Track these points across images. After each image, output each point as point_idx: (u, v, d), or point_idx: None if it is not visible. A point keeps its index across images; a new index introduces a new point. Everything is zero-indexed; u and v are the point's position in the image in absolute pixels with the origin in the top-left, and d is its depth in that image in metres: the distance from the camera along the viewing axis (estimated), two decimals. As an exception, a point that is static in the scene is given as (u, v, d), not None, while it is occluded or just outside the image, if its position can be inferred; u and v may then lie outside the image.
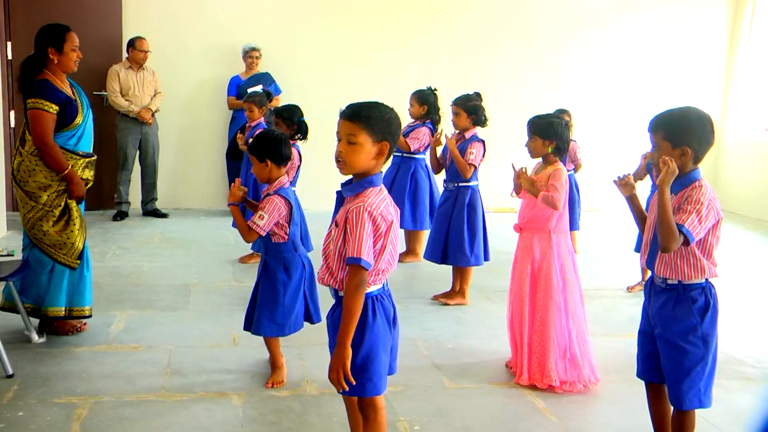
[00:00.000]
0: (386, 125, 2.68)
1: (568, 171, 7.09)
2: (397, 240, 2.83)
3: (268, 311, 3.97)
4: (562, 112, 7.19)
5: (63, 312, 4.56)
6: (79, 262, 4.57)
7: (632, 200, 3.22)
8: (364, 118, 2.66)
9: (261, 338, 4.48)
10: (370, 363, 2.74)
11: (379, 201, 2.68)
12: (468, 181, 5.53)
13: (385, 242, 2.69)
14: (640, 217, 3.23)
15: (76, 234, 4.53)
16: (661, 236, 2.87)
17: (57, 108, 4.35)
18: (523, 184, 4.25)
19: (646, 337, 3.21)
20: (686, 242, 2.89)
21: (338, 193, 2.80)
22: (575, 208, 7.20)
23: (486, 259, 5.70)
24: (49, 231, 4.47)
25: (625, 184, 3.21)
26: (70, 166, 4.42)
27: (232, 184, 3.98)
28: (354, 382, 2.65)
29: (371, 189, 2.70)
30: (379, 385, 2.78)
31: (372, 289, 2.75)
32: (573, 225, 7.19)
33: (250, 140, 6.18)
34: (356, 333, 2.68)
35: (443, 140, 5.57)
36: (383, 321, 2.77)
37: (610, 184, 3.48)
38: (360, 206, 2.63)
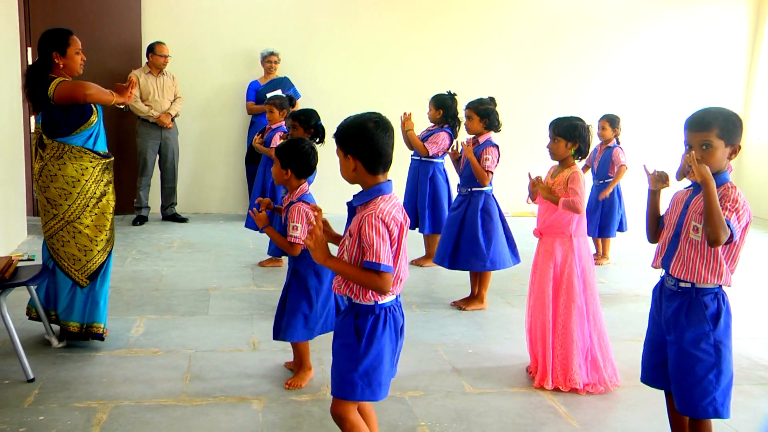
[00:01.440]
0: (351, 140, 2.78)
1: (611, 177, 7.12)
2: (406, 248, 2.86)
3: (302, 317, 3.98)
4: (608, 118, 7.20)
5: (79, 328, 4.58)
6: (88, 282, 4.55)
7: (654, 195, 3.22)
8: (337, 135, 2.83)
9: (280, 343, 4.49)
10: (372, 371, 2.78)
11: (390, 207, 2.73)
12: (481, 185, 5.52)
13: (399, 247, 2.74)
14: (653, 213, 3.23)
15: (93, 254, 4.54)
16: (712, 229, 2.81)
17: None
18: (540, 192, 4.23)
19: (654, 346, 3.19)
20: (730, 239, 2.85)
21: (349, 204, 2.85)
22: (614, 214, 7.16)
23: (516, 261, 5.64)
24: (70, 242, 4.48)
25: (656, 179, 3.20)
26: (111, 96, 4.49)
27: (252, 211, 4.00)
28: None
29: (380, 197, 2.76)
30: (377, 392, 2.81)
31: (385, 300, 2.79)
32: (610, 231, 7.20)
33: (278, 142, 6.22)
34: (364, 341, 2.76)
35: (459, 151, 5.55)
36: (391, 332, 2.82)
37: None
38: (372, 214, 2.69)
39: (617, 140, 7.22)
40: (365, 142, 2.74)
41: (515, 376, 4.38)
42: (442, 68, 9.58)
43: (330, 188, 6.34)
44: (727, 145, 2.95)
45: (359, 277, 2.69)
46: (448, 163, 6.44)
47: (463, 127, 5.97)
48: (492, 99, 5.61)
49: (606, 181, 7.14)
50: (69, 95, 4.35)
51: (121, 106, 4.64)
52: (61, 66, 4.45)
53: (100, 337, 4.61)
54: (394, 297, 2.83)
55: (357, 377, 2.77)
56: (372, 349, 2.77)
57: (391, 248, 2.70)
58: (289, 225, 3.87)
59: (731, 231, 2.82)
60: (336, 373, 2.83)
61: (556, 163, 4.33)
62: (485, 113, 5.46)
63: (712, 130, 2.95)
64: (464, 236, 5.55)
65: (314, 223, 2.77)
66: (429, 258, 6.97)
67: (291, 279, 4.05)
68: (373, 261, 2.64)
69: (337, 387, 2.82)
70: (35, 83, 4.45)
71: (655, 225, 3.23)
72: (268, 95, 8.47)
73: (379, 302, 2.77)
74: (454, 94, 6.56)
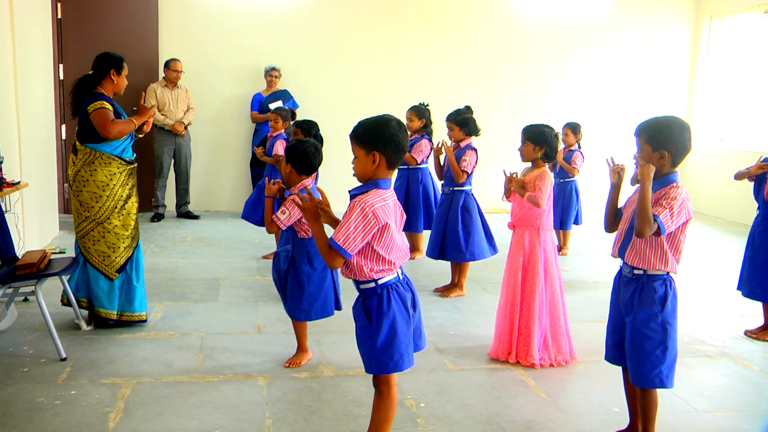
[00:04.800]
0: (374, 138, 2.71)
1: (571, 178, 7.17)
2: (402, 235, 2.84)
3: (296, 299, 3.98)
4: (570, 126, 7.23)
5: (115, 315, 4.60)
6: (117, 275, 4.56)
7: (614, 188, 3.24)
8: (355, 135, 2.75)
9: (283, 326, 4.51)
10: (389, 343, 2.74)
11: (377, 200, 2.69)
12: (462, 185, 5.51)
13: (381, 239, 2.70)
14: (612, 204, 3.24)
15: (120, 250, 4.55)
16: (639, 221, 2.88)
17: (112, 109, 4.45)
18: (514, 185, 4.26)
19: (614, 328, 3.23)
20: (658, 233, 2.91)
21: (350, 192, 2.82)
22: (572, 209, 7.24)
23: (494, 252, 5.64)
24: (100, 241, 4.49)
25: (615, 172, 3.22)
26: (134, 123, 4.55)
27: (272, 180, 3.98)
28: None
29: (374, 190, 2.72)
30: (400, 363, 2.76)
31: (388, 278, 2.76)
32: (567, 224, 7.28)
33: (282, 148, 6.20)
34: (374, 320, 2.73)
35: (443, 149, 5.55)
36: (399, 306, 2.77)
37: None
38: (356, 201, 2.68)
39: (579, 145, 7.27)
40: (391, 138, 2.70)
41: (490, 354, 4.41)
42: (426, 82, 9.60)
43: (333, 187, 6.32)
44: (654, 150, 2.99)
45: (323, 246, 2.69)
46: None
47: (437, 133, 5.95)
48: (468, 107, 5.61)
49: (566, 180, 7.20)
50: (98, 127, 4.38)
51: (140, 135, 4.68)
52: (115, 82, 4.56)
53: (144, 322, 4.70)
54: (395, 275, 2.79)
55: (378, 353, 2.74)
56: (383, 326, 2.73)
57: (365, 237, 2.66)
58: (281, 207, 3.87)
59: (659, 225, 2.89)
60: (362, 353, 2.81)
61: (529, 164, 4.36)
62: (463, 122, 5.47)
63: (642, 136, 3.04)
64: (448, 231, 5.57)
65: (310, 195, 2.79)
66: (413, 250, 6.98)
67: (289, 265, 4.03)
68: (332, 237, 2.65)
69: (367, 365, 2.80)
70: (83, 89, 4.54)
71: (612, 217, 3.25)
72: (270, 106, 8.49)
73: (379, 281, 2.74)
74: (427, 105, 6.55)
